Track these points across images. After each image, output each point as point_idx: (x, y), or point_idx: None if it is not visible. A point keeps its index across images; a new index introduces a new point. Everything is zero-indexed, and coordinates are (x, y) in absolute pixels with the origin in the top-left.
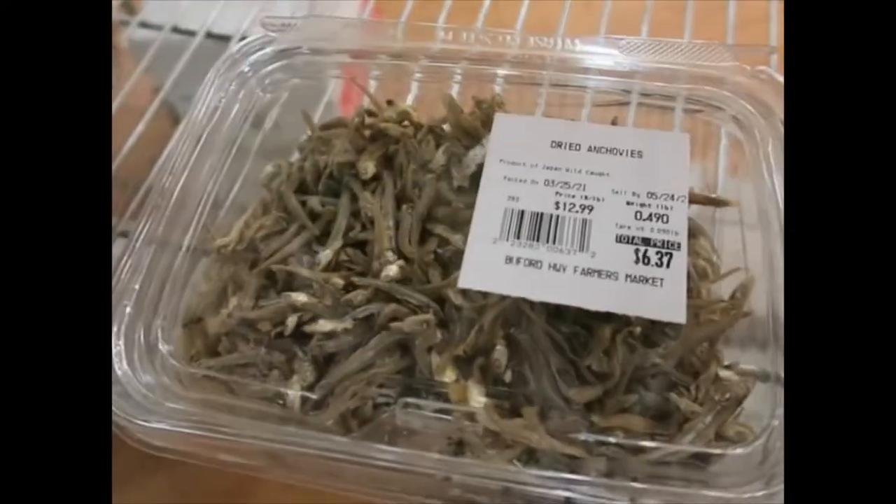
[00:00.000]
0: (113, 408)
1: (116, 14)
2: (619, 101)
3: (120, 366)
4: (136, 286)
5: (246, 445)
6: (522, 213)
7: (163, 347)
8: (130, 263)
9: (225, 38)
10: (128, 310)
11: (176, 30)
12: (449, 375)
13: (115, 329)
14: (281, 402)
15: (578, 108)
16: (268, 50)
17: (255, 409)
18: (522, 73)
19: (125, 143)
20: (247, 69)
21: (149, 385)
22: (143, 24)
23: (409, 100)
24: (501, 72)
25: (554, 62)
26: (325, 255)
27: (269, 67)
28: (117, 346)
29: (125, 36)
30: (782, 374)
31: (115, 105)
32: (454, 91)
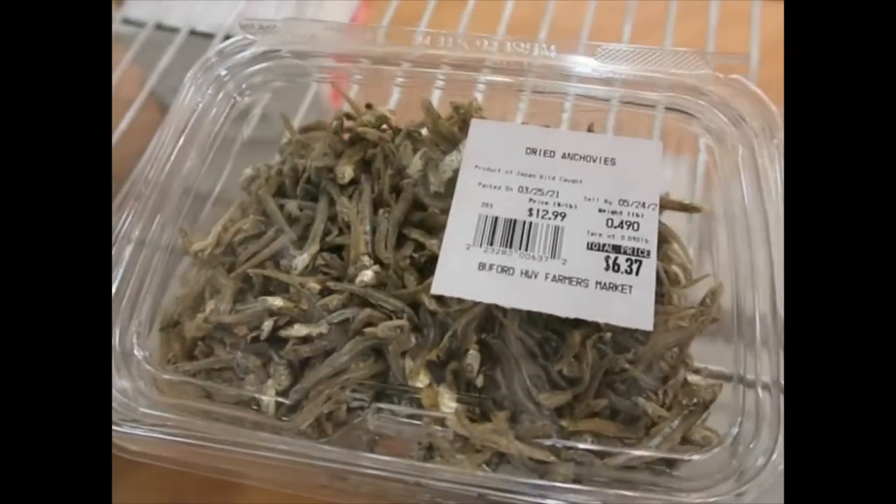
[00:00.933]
0: None
1: None
2: (597, 108)
3: None
4: (113, 289)
5: (221, 451)
6: (496, 219)
7: (138, 353)
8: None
9: (210, 36)
10: None
11: (160, 27)
12: (422, 380)
13: None
14: (256, 407)
15: (558, 114)
16: (247, 53)
17: (231, 415)
18: (503, 80)
19: (112, 136)
20: (224, 73)
21: (124, 390)
22: (126, 21)
23: (391, 104)
24: (483, 77)
25: (534, 68)
26: (302, 259)
27: (248, 70)
28: None
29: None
30: (747, 375)
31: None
32: (436, 96)
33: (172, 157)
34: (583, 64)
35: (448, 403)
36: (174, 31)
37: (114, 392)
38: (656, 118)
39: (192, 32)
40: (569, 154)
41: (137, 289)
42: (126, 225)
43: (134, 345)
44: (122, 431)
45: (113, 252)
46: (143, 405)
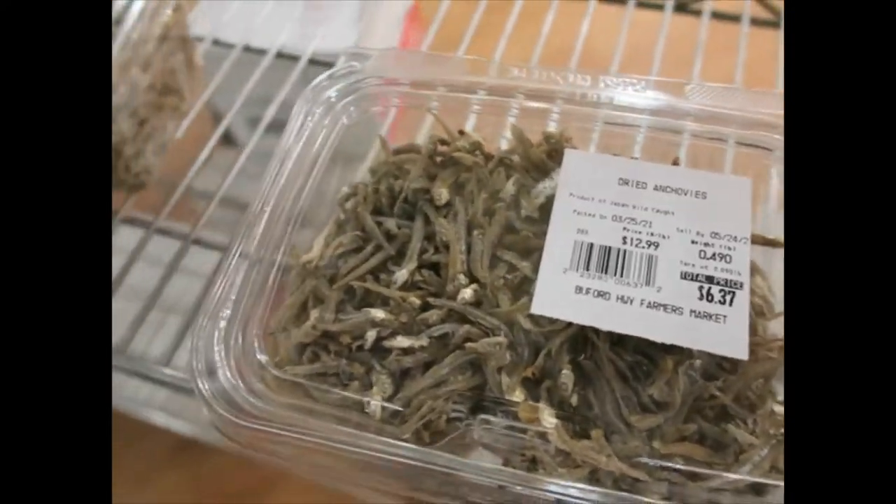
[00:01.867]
0: (212, 407)
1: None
2: (669, 141)
3: (223, 371)
4: (233, 296)
5: (331, 448)
6: (591, 245)
7: (259, 356)
8: (227, 277)
9: (262, 52)
10: (224, 321)
11: (248, 49)
12: (518, 396)
13: (214, 337)
14: (363, 410)
15: (631, 147)
16: (351, 79)
17: (337, 416)
18: (576, 110)
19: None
20: (333, 96)
21: (243, 388)
22: (217, 42)
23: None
24: (556, 108)
25: (607, 101)
26: (402, 274)
27: (350, 97)
28: (218, 352)
29: (200, 52)
30: None
31: (184, 123)
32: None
33: (283, 178)
34: (656, 98)
35: (548, 419)
36: (231, 46)
37: (239, 389)
38: (728, 152)
39: (248, 50)
40: (660, 186)
41: (253, 299)
42: (243, 242)
43: (254, 347)
44: (241, 424)
45: (230, 266)
46: (261, 402)
